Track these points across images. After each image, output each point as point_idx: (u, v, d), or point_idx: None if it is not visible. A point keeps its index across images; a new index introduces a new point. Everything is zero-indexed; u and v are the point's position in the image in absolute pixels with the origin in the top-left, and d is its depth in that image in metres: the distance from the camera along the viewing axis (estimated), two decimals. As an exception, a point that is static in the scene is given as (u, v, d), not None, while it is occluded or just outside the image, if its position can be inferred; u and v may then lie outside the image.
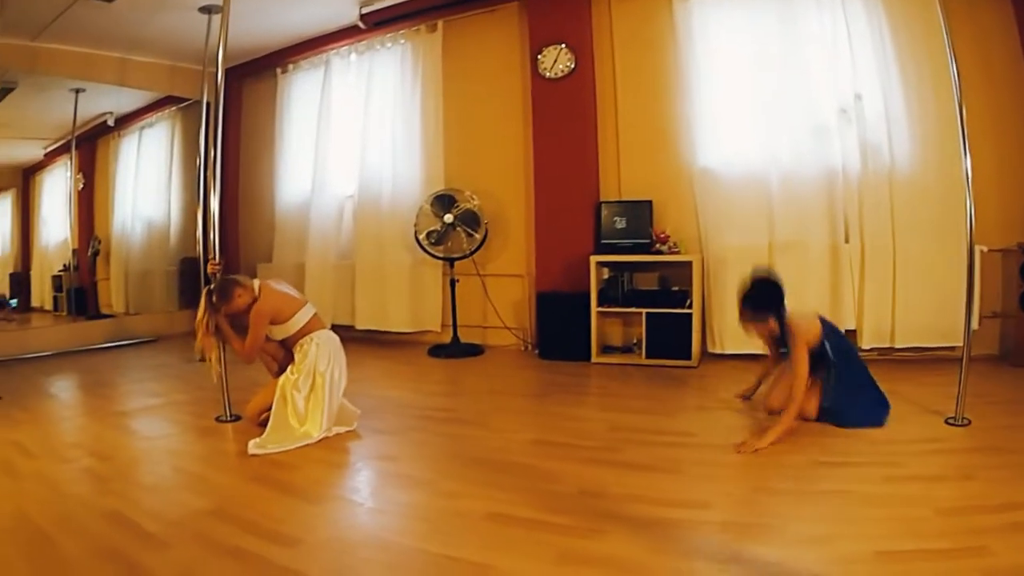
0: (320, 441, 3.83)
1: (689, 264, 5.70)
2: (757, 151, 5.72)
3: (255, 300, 4.05)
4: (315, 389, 3.97)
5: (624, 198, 6.26)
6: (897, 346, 5.35)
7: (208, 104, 7.05)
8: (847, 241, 5.50)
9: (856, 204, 5.46)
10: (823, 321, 3.98)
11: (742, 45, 5.76)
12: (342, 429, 4.02)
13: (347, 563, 2.45)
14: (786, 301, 3.94)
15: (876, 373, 3.89)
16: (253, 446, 3.71)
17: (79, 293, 8.21)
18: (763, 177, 5.67)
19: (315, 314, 4.22)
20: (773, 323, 3.95)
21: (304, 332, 4.11)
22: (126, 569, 2.39)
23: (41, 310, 8.19)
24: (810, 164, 5.55)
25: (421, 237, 6.64)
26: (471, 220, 6.52)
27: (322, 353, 4.04)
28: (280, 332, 4.12)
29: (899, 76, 5.27)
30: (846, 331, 5.22)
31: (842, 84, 5.46)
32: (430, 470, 3.42)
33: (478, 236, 6.53)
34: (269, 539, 2.61)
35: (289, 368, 4.06)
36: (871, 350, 5.41)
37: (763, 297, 3.97)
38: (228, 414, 4.39)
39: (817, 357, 3.84)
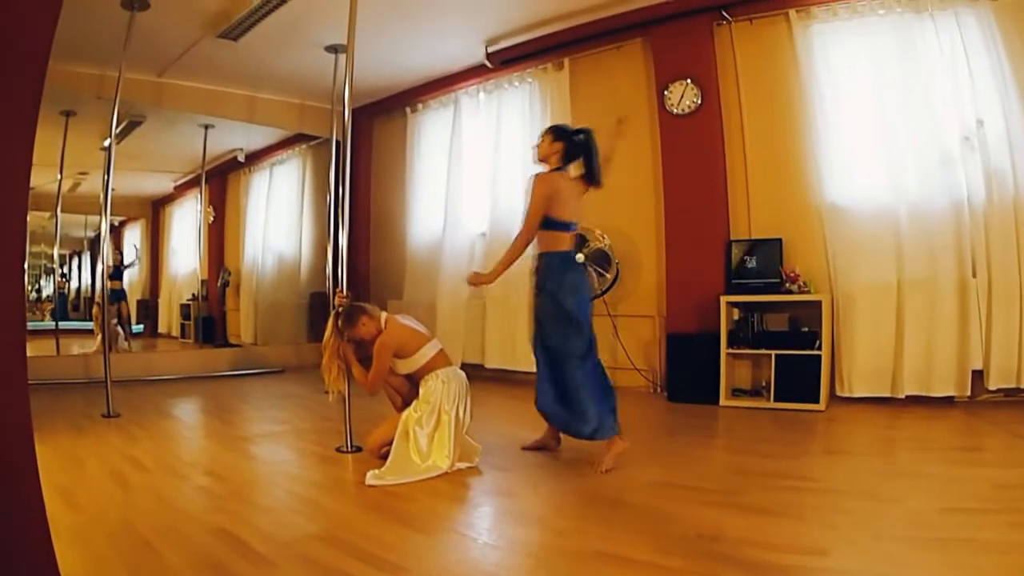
0: (440, 475, 3.69)
1: (819, 304, 5.43)
2: (884, 183, 5.48)
3: (380, 332, 3.97)
4: (440, 427, 3.84)
5: (754, 236, 6.00)
6: (1024, 387, 5.03)
7: (337, 142, 7.12)
8: (975, 276, 5.16)
9: (982, 235, 5.15)
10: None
11: (863, 73, 5.57)
12: (464, 465, 3.85)
13: (450, 595, 2.29)
14: (583, 162, 4.10)
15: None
16: (371, 477, 3.58)
17: (207, 322, 8.44)
18: (891, 211, 5.44)
19: (440, 350, 4.09)
20: (557, 152, 4.06)
21: (429, 368, 3.99)
22: (226, 582, 2.31)
23: (168, 336, 8.42)
24: (936, 195, 5.28)
25: (553, 277, 6.45)
26: (602, 260, 6.35)
27: (448, 391, 3.90)
28: (404, 366, 4.01)
29: (1019, 100, 5.00)
30: (973, 371, 5.11)
31: (963, 110, 5.20)
32: (547, 507, 3.28)
33: (609, 276, 6.34)
34: (376, 566, 2.48)
35: (413, 404, 3.93)
36: (997, 391, 5.05)
37: (575, 134, 4.09)
38: (349, 445, 4.28)
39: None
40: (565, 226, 4.04)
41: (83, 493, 3.33)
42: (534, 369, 6.76)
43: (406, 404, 4.01)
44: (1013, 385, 4.99)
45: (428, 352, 4.00)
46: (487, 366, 7.35)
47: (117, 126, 5.69)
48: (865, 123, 5.55)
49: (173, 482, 3.57)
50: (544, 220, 3.97)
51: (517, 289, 7.11)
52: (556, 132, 4.11)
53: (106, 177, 5.55)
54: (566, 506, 3.27)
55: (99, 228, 6.90)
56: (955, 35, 5.19)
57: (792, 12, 5.73)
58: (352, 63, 4.53)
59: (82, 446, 4.32)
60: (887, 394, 5.28)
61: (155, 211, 8.58)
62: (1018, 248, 5.02)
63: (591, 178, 4.12)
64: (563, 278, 3.99)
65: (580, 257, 6.25)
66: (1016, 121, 5.00)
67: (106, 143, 5.58)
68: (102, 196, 5.63)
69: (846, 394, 5.45)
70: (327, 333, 4.15)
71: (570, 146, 4.05)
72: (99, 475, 3.67)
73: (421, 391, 3.94)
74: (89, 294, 8.05)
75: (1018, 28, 4.99)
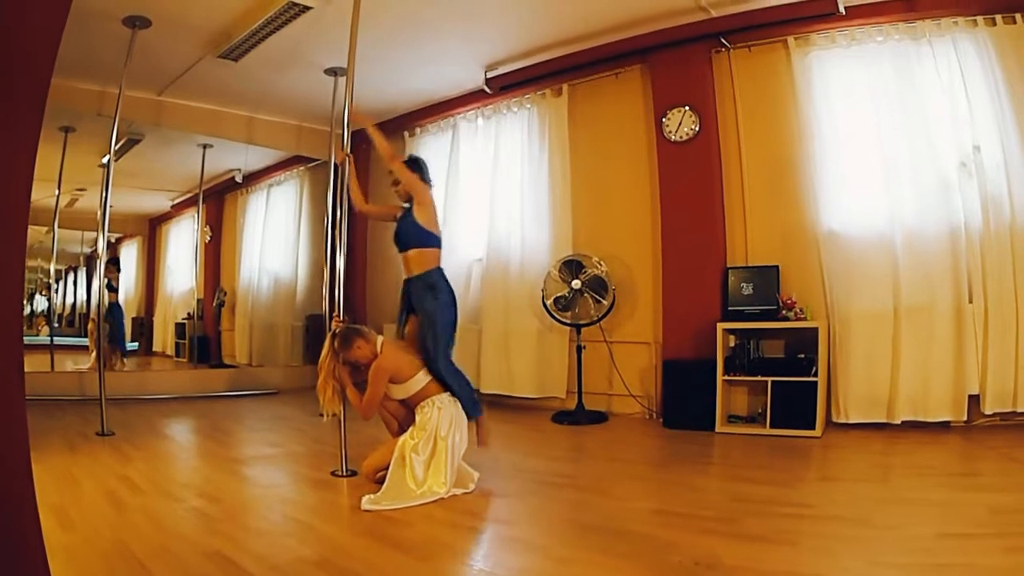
0: (436, 501, 3.66)
1: (815, 330, 5.43)
2: (881, 210, 5.52)
3: (375, 355, 3.96)
4: (436, 454, 3.82)
5: (751, 263, 6.03)
6: (1019, 410, 4.99)
7: (335, 165, 7.13)
8: (971, 301, 5.20)
9: (979, 261, 5.19)
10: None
11: (861, 100, 5.62)
12: (459, 491, 3.82)
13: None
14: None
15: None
16: (367, 501, 3.55)
17: (202, 341, 8.41)
18: (888, 237, 5.47)
19: None
20: (411, 182, 4.39)
21: (424, 394, 3.98)
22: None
23: (163, 355, 8.39)
24: (933, 221, 5.32)
25: (549, 303, 6.48)
26: (599, 286, 6.32)
27: (444, 417, 3.90)
28: (400, 391, 4.00)
29: (1016, 126, 5.06)
30: (968, 396, 5.13)
31: (961, 136, 5.26)
32: (544, 535, 3.24)
33: (605, 302, 6.32)
34: (370, 592, 2.45)
35: (410, 430, 3.91)
36: (993, 415, 5.07)
37: (415, 160, 4.55)
38: (344, 469, 4.24)
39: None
40: (440, 243, 4.46)
41: (77, 513, 3.30)
42: (529, 394, 6.94)
43: (402, 429, 4.00)
44: (1009, 409, 5.01)
45: (423, 378, 4.00)
46: (483, 391, 7.25)
47: (116, 143, 5.71)
48: (862, 150, 5.57)
49: (167, 503, 3.54)
50: (431, 238, 4.36)
51: (513, 315, 7.14)
52: (409, 164, 4.48)
53: (104, 194, 5.56)
54: (563, 533, 3.24)
55: (96, 244, 6.89)
56: (952, 62, 5.26)
57: (791, 39, 5.78)
58: (352, 86, 4.53)
59: (76, 465, 4.29)
60: (883, 420, 5.29)
61: (152, 229, 8.58)
62: (1014, 273, 5.06)
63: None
64: (445, 289, 4.41)
65: None
66: (1013, 147, 5.06)
67: (104, 160, 5.60)
68: (99, 213, 5.64)
69: (842, 420, 5.45)
70: (323, 353, 4.12)
71: (420, 172, 4.46)
72: (93, 495, 3.64)
73: (417, 418, 3.92)
74: (84, 310, 8.03)
75: (1015, 55, 5.05)
